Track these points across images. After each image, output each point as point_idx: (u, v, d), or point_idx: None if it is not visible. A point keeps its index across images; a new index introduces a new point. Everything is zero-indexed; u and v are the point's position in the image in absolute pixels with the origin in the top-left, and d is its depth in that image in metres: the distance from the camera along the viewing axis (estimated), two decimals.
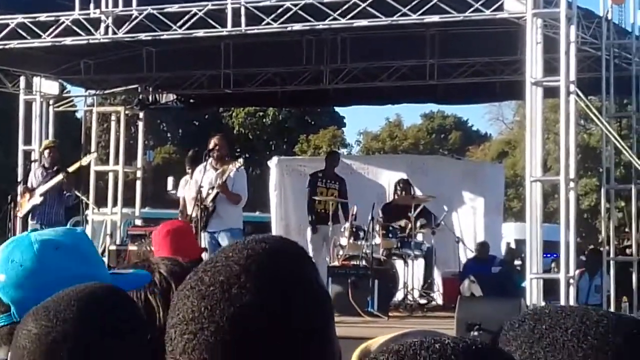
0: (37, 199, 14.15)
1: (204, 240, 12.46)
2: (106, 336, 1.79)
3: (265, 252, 1.51)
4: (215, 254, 1.55)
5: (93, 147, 17.61)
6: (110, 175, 17.57)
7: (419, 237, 14.29)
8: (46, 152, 14.65)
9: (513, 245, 25.54)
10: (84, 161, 14.78)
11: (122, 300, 1.90)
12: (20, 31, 12.69)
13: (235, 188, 12.69)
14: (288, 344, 1.47)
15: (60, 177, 13.95)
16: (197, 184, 12.77)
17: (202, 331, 1.44)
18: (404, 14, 11.25)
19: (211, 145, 12.84)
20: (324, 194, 14.96)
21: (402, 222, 14.20)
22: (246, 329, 1.44)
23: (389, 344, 1.68)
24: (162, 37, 12.54)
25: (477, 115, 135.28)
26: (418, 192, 15.43)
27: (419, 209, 14.31)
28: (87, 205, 16.88)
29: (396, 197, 15.09)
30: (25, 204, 14.28)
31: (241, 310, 1.45)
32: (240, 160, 13.20)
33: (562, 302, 10.22)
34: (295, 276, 1.52)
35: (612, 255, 13.52)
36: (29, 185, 14.49)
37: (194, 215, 12.60)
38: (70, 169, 14.20)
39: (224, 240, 12.22)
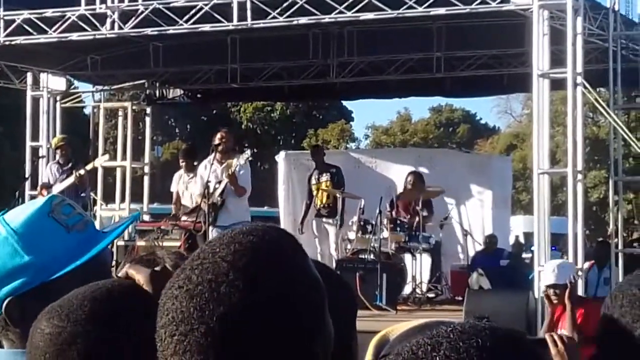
0: None
1: (213, 235, 12.41)
2: (118, 336, 1.76)
3: (252, 245, 1.46)
4: (202, 248, 1.50)
5: (101, 143, 17.63)
6: (118, 171, 17.57)
7: (427, 231, 14.25)
8: (58, 151, 14.68)
9: (522, 238, 25.52)
10: (97, 162, 14.81)
11: (140, 300, 1.84)
12: (26, 27, 12.69)
13: (240, 180, 12.64)
14: (280, 341, 1.43)
15: (74, 177, 14.00)
16: (202, 179, 12.72)
17: (192, 332, 1.40)
18: (410, 7, 11.22)
19: (217, 140, 12.78)
20: (318, 190, 15.00)
21: (406, 219, 14.15)
22: (237, 328, 1.41)
23: (407, 335, 1.67)
24: (168, 32, 12.55)
25: (486, 109, 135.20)
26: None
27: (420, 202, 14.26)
28: (95, 201, 16.89)
29: (405, 189, 15.02)
30: None
31: (231, 309, 1.40)
32: (248, 152, 13.13)
33: None
34: (284, 268, 1.47)
35: (620, 247, 13.48)
36: (45, 181, 14.51)
37: (201, 210, 12.60)
38: (84, 169, 14.25)
39: None
